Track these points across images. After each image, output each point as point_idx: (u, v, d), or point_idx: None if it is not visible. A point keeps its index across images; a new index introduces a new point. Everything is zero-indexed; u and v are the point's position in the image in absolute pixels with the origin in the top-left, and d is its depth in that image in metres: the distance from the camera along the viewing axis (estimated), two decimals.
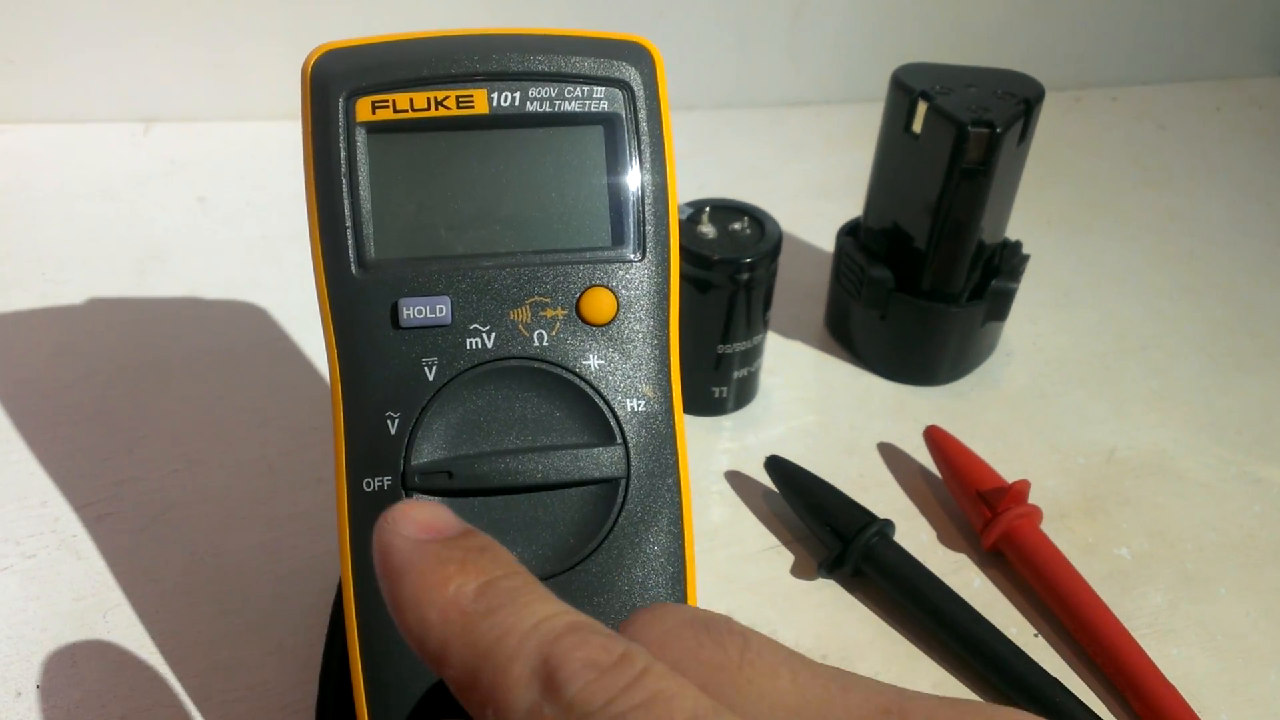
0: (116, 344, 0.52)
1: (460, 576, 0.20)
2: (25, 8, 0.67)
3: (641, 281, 0.30)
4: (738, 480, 0.47)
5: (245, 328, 0.54)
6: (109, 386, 0.49)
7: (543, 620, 0.19)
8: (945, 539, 0.45)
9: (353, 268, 0.28)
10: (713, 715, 0.17)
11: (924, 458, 0.48)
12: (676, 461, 0.30)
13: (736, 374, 0.50)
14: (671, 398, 0.30)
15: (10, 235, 0.60)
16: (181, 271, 0.58)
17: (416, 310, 0.28)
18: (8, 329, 0.53)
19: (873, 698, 0.18)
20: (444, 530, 0.21)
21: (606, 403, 0.29)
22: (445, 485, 0.28)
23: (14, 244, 0.59)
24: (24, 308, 0.54)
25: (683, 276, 0.46)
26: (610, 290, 0.29)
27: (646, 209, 0.30)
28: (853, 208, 0.56)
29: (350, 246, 0.28)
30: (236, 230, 0.62)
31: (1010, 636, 0.39)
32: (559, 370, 0.29)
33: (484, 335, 0.29)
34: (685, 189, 0.48)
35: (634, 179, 0.30)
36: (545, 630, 0.18)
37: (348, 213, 0.28)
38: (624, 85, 0.30)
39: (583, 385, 0.29)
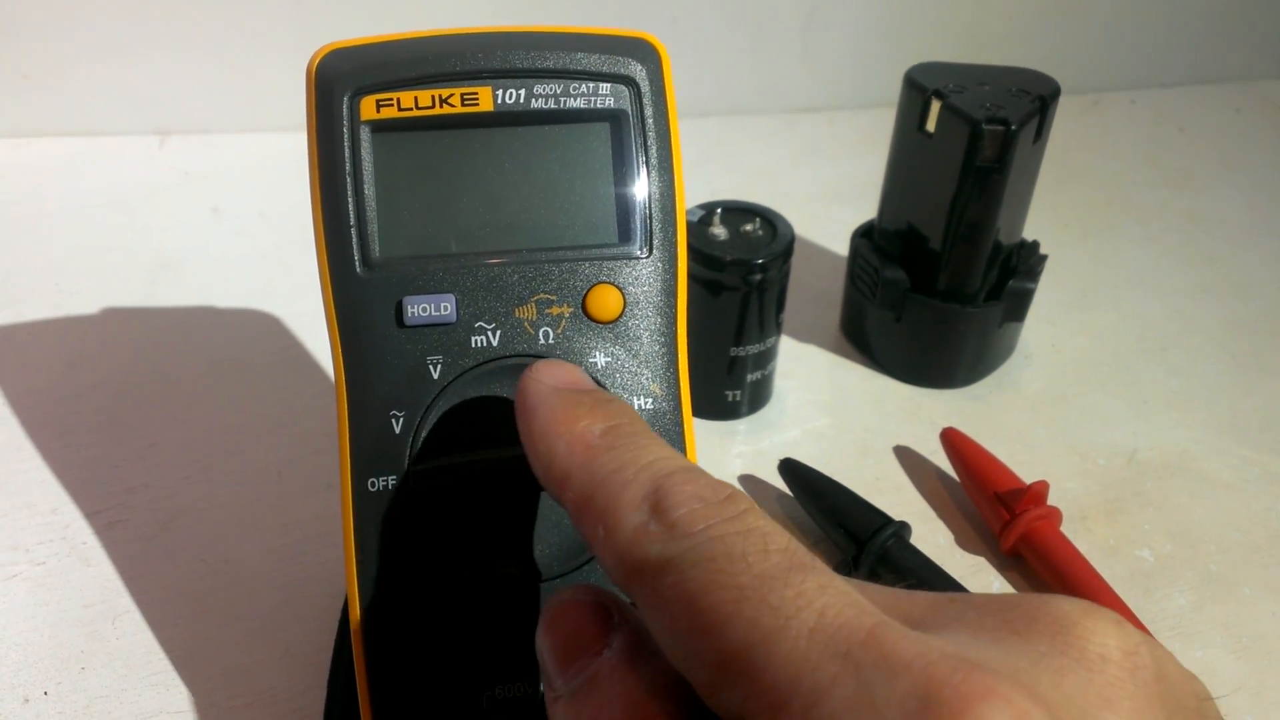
0: (128, 353, 0.52)
1: (589, 418, 0.22)
2: (41, 22, 0.67)
3: (648, 278, 0.29)
4: (751, 484, 0.47)
5: (256, 336, 0.54)
6: (120, 395, 0.49)
7: (659, 459, 0.21)
8: (963, 542, 0.44)
9: (357, 266, 0.28)
10: (804, 555, 0.18)
11: (941, 461, 0.48)
12: None
13: (750, 377, 0.49)
14: (680, 396, 0.29)
15: (24, 246, 0.61)
16: (194, 281, 0.58)
17: (421, 308, 0.28)
18: (21, 339, 0.53)
19: (936, 597, 0.20)
20: (579, 385, 0.24)
21: None
22: (450, 484, 0.27)
23: (28, 255, 0.60)
24: (37, 318, 0.54)
25: (694, 278, 0.45)
26: (617, 287, 0.29)
27: (653, 206, 0.30)
28: (866, 212, 0.56)
29: (355, 245, 0.28)
30: (250, 240, 0.62)
31: None
32: None
33: (489, 333, 0.28)
34: (698, 194, 0.47)
35: (640, 176, 0.30)
36: (659, 466, 0.20)
37: (352, 211, 0.28)
38: (630, 82, 0.30)
39: None
